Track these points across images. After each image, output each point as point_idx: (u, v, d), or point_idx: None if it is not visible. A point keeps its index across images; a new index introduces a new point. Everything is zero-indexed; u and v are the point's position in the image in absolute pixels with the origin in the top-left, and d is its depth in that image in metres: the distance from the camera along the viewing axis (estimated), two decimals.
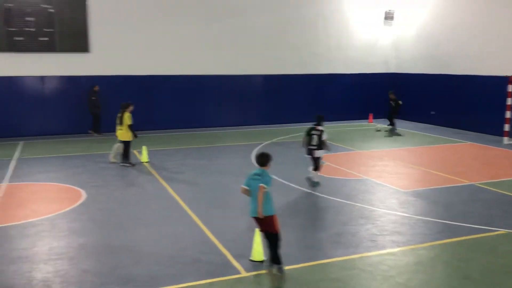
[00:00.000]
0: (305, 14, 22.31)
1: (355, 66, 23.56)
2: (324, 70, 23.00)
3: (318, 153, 10.73)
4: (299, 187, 10.97)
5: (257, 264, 6.77)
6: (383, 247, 7.46)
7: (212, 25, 20.73)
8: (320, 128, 10.75)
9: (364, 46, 23.68)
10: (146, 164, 13.49)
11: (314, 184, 10.85)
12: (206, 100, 21.02)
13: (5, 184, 11.36)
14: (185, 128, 20.47)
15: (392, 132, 18.88)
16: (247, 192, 6.38)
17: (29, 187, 11.20)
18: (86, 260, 7.02)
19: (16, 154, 15.13)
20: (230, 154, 15.12)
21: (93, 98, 18.78)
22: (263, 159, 6.42)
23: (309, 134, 10.79)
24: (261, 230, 6.47)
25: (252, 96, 22.00)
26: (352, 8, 23.13)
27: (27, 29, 18.07)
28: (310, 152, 10.82)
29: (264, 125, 21.50)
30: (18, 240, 7.78)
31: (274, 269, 6.34)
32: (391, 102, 19.43)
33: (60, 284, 6.18)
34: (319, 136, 10.64)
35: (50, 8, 18.32)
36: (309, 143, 10.76)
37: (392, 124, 19.06)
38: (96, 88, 18.84)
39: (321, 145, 10.66)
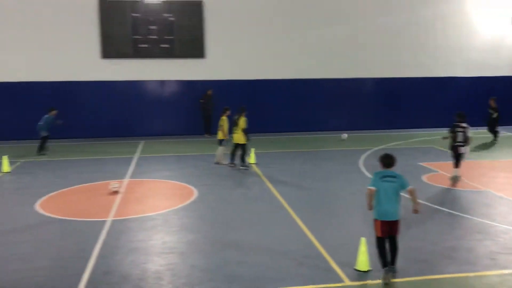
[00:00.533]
0: (423, 14, 21.25)
1: (476, 68, 21.87)
2: (441, 73, 21.67)
3: (463, 150, 11.24)
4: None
5: (362, 273, 6.55)
6: (505, 267, 6.78)
7: (324, 29, 20.63)
8: (464, 125, 11.19)
9: (487, 47, 21.88)
10: (253, 166, 13.80)
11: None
12: (316, 104, 20.95)
13: (127, 180, 12.35)
14: (293, 131, 20.61)
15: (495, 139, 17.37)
16: (372, 194, 6.36)
17: (147, 184, 12.05)
18: (195, 256, 7.34)
19: (138, 152, 16.41)
20: (338, 159, 14.89)
21: (201, 101, 19.80)
22: (391, 160, 6.50)
23: (454, 131, 11.25)
24: (386, 235, 6.38)
25: (363, 99, 21.46)
26: (475, 8, 21.52)
27: (150, 36, 19.53)
28: (455, 148, 11.28)
29: (375, 130, 20.85)
30: (136, 232, 8.40)
31: (390, 275, 6.26)
32: (490, 110, 17.69)
33: (170, 277, 6.54)
34: (464, 133, 11.12)
35: (171, 17, 19.61)
36: (454, 140, 11.25)
37: (494, 134, 17.51)
38: (210, 92, 19.75)
39: (466, 141, 11.18)
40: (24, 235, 8.31)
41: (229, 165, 13.69)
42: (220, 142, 14.04)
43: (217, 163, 14.12)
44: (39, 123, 15.85)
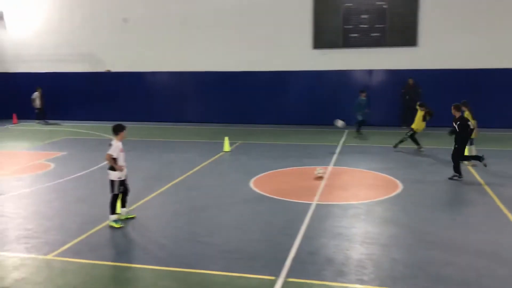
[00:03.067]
0: None
1: None
2: None
3: None
4: None
5: None
6: None
7: None
8: None
9: None
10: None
11: None
12: None
13: (331, 167, 12.70)
14: None
15: None
16: None
17: (350, 172, 12.20)
18: (397, 250, 7.17)
19: (342, 141, 16.69)
20: None
21: (402, 90, 18.96)
22: None
23: None
24: None
25: None
26: None
27: (361, 26, 19.51)
28: None
29: None
30: (339, 218, 8.62)
31: None
32: None
33: (373, 268, 6.54)
34: None
35: (384, 5, 19.22)
36: None
37: None
38: (411, 81, 18.89)
39: None
40: (240, 209, 9.30)
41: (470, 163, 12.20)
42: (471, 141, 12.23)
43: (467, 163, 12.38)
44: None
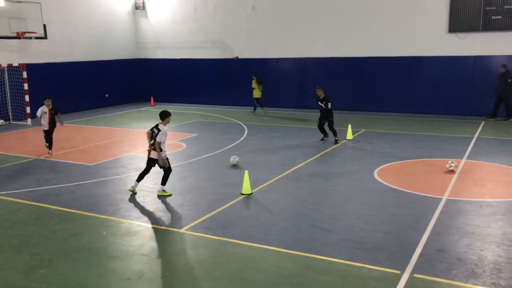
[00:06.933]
0: None
1: None
2: None
3: None
4: None
5: None
6: None
7: None
8: None
9: None
10: None
11: None
12: None
13: (464, 160, 11.82)
14: None
15: None
16: None
17: (485, 167, 11.22)
18: None
19: (477, 133, 15.41)
20: None
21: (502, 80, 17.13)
22: None
23: None
24: None
25: None
26: None
27: (507, 7, 17.66)
28: None
29: None
30: (472, 216, 8.00)
31: None
32: None
33: (510, 273, 5.98)
34: None
35: None
36: None
37: None
38: (503, 69, 16.93)
39: None
40: (364, 199, 9.10)
41: None
42: None
43: None
44: None
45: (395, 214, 8.22)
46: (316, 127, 14.89)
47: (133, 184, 9.63)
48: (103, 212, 8.49)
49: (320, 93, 14.22)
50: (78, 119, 19.96)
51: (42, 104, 12.98)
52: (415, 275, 5.93)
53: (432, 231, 7.32)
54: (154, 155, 9.22)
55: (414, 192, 9.33)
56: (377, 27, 20.08)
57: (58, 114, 13.14)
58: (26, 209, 8.76)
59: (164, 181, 9.43)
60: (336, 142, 14.05)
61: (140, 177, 9.57)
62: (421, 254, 6.52)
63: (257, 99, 20.53)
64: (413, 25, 19.43)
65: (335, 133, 14.17)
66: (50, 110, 12.88)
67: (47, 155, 12.96)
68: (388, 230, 7.48)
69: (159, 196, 9.34)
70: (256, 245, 6.97)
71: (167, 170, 9.39)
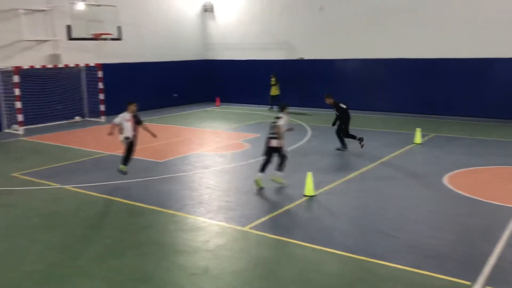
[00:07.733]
0: None
1: None
2: None
3: None
4: None
5: None
6: None
7: None
8: None
9: None
10: None
11: None
12: None
13: None
14: None
15: None
16: None
17: None
18: None
19: None
20: None
21: None
22: None
23: None
24: None
25: None
26: None
27: None
28: None
29: None
30: None
31: None
32: None
33: None
34: None
35: None
36: None
37: None
38: None
39: None
40: (432, 205, 8.78)
41: None
42: None
43: None
44: None
45: (467, 222, 7.87)
46: (385, 130, 14.51)
47: (259, 175, 9.88)
48: (170, 208, 8.78)
49: (329, 101, 13.41)
50: (148, 117, 20.77)
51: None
52: None
53: (507, 243, 6.93)
54: (274, 143, 9.78)
55: (488, 201, 8.87)
56: (445, 27, 19.28)
57: (145, 124, 10.79)
58: (100, 202, 9.25)
59: (281, 167, 9.95)
60: (337, 149, 13.47)
61: (263, 168, 9.99)
62: (495, 266, 6.19)
63: (274, 96, 22.27)
64: (486, 24, 18.44)
65: (342, 141, 13.49)
66: (133, 117, 10.47)
67: (123, 168, 10.67)
68: (459, 239, 7.18)
69: (273, 181, 9.96)
70: (319, 247, 6.93)
71: (284, 157, 9.94)
